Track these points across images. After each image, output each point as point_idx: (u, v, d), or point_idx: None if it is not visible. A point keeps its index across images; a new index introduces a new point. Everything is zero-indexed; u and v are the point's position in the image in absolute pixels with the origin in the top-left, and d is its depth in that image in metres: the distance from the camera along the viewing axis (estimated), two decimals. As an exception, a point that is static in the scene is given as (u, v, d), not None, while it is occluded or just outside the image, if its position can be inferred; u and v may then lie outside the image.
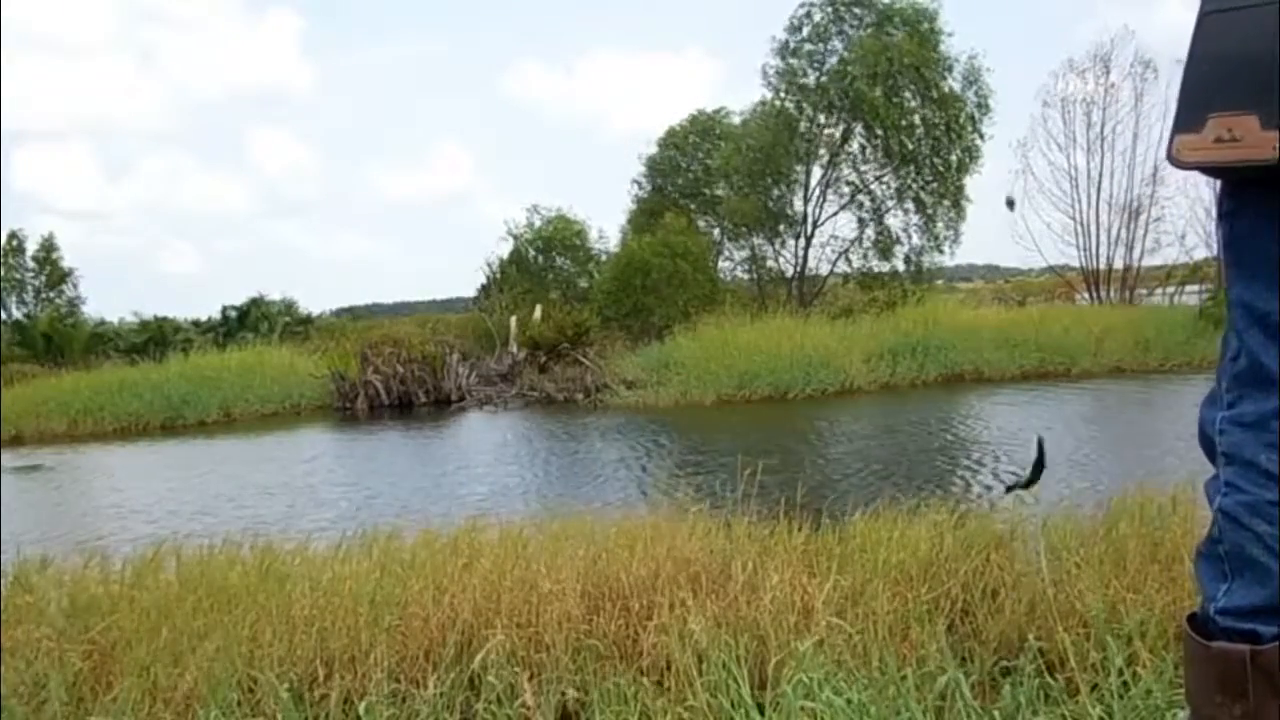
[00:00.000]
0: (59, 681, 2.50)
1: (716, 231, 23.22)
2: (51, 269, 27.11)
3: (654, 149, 24.17)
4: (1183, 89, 1.06)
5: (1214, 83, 1.04)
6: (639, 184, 24.32)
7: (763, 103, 22.60)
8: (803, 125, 21.53)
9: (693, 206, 22.81)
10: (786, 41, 21.59)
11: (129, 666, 2.63)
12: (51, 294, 27.03)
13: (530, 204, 25.84)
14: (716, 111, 24.15)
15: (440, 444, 12.90)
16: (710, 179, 23.39)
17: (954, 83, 20.71)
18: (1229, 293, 1.04)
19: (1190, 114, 1.04)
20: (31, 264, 27.07)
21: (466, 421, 14.56)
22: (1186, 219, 20.53)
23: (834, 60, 21.15)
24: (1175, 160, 1.05)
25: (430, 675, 2.49)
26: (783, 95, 21.76)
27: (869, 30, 20.58)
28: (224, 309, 26.46)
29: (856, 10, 20.89)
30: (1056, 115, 21.49)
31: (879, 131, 20.81)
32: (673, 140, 23.89)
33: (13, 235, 27.14)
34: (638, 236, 20.97)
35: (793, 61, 21.61)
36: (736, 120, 23.55)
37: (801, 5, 21.23)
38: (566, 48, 57.21)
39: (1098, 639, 2.49)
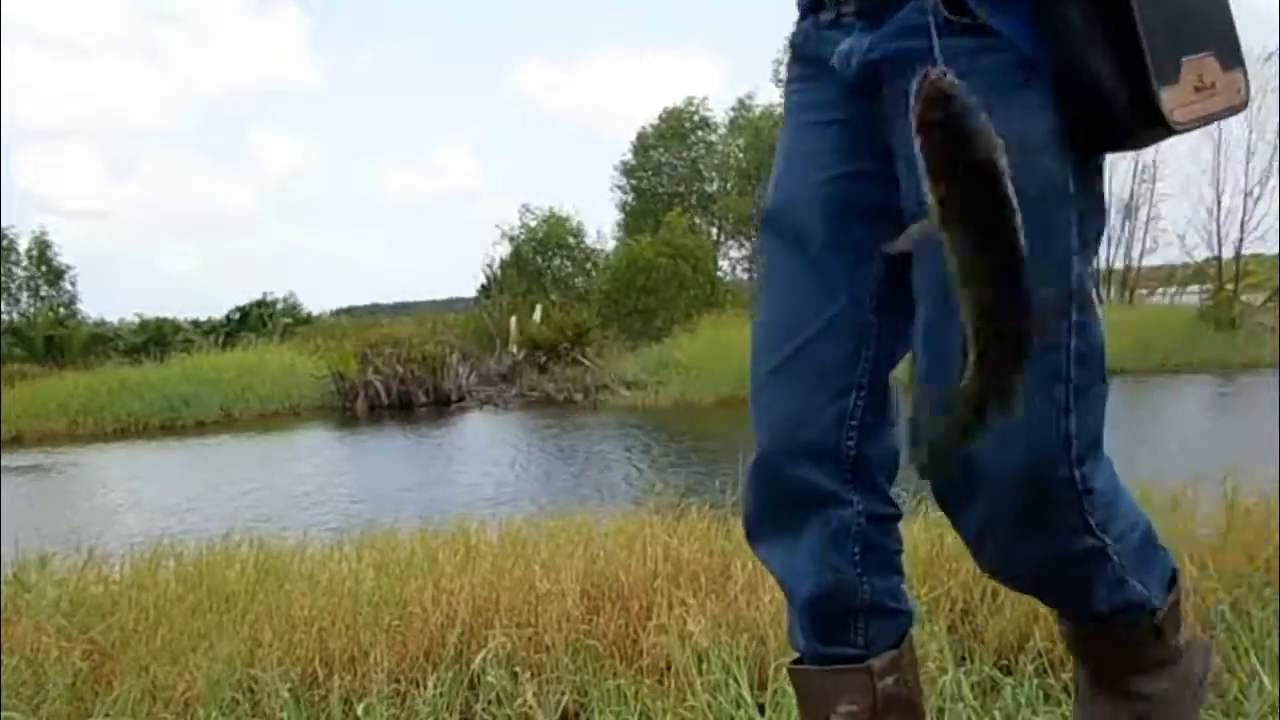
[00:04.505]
0: (59, 681, 2.50)
1: (714, 230, 23.20)
2: (47, 267, 27.01)
3: (629, 154, 24.08)
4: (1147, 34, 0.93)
5: (1176, 18, 0.95)
6: (621, 189, 24.29)
7: (748, 97, 22.59)
8: None
9: (679, 207, 22.76)
10: None
11: (129, 666, 2.63)
12: (51, 292, 26.93)
13: (521, 203, 25.86)
14: (688, 104, 24.01)
15: (440, 444, 12.90)
16: (699, 176, 23.33)
17: None
18: None
19: (1164, 63, 0.93)
20: (26, 260, 26.92)
21: (466, 421, 14.56)
22: (1188, 219, 20.52)
23: None
24: (1171, 122, 0.94)
25: (430, 675, 2.48)
26: None
27: None
28: (227, 311, 26.48)
29: None
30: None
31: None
32: (646, 141, 23.77)
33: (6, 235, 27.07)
34: (636, 237, 20.98)
35: None
36: (720, 116, 23.50)
37: None
38: (570, 46, 57.23)
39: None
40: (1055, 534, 1.04)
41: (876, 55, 1.03)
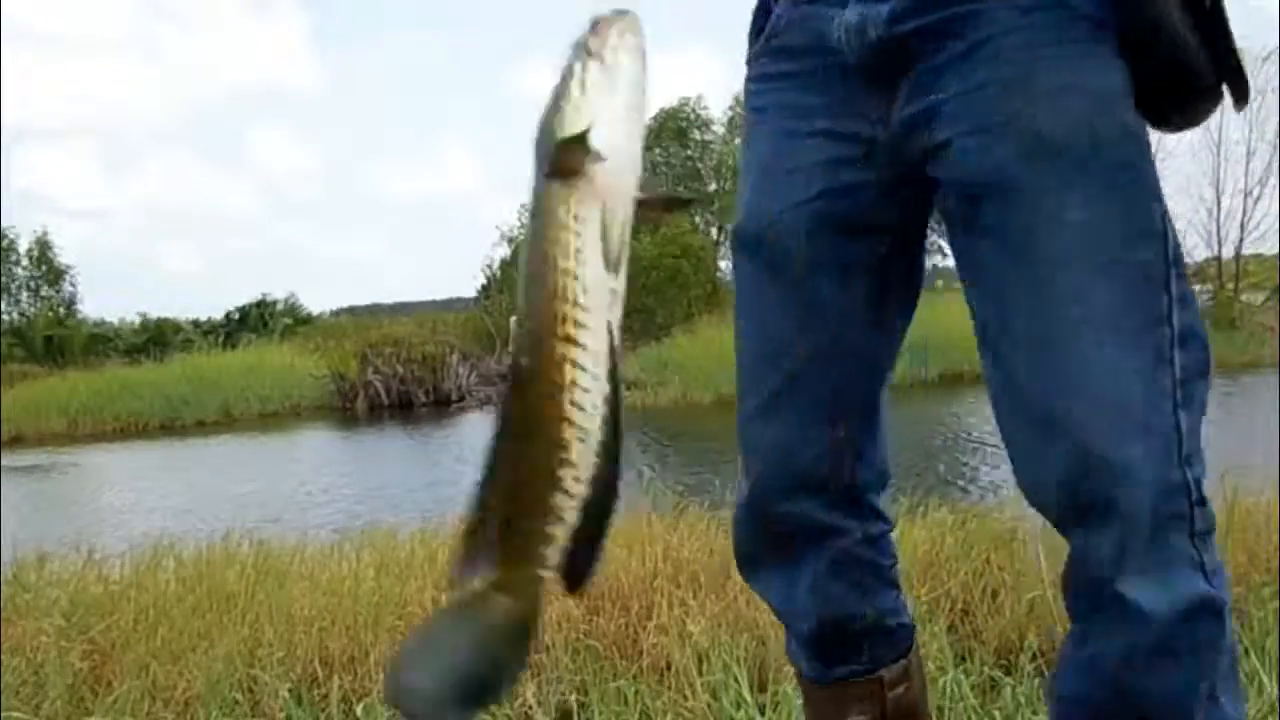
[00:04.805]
0: (58, 682, 2.50)
1: (714, 230, 23.21)
2: (47, 267, 26.98)
3: None
4: None
5: None
6: None
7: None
8: None
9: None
10: None
11: (129, 666, 2.63)
12: (51, 292, 26.89)
13: (521, 204, 25.88)
14: (682, 103, 24.00)
15: (441, 443, 12.90)
16: (697, 176, 23.34)
17: None
18: None
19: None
20: (26, 260, 26.88)
21: (467, 421, 14.56)
22: (1188, 219, 20.51)
23: None
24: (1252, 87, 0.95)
25: (430, 675, 2.48)
26: None
27: None
28: (227, 311, 26.49)
29: None
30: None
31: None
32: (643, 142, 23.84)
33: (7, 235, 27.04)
34: (636, 237, 20.99)
35: None
36: (718, 114, 23.50)
37: None
38: (569, 46, 57.15)
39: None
40: (1173, 566, 0.87)
41: (911, 25, 0.93)
